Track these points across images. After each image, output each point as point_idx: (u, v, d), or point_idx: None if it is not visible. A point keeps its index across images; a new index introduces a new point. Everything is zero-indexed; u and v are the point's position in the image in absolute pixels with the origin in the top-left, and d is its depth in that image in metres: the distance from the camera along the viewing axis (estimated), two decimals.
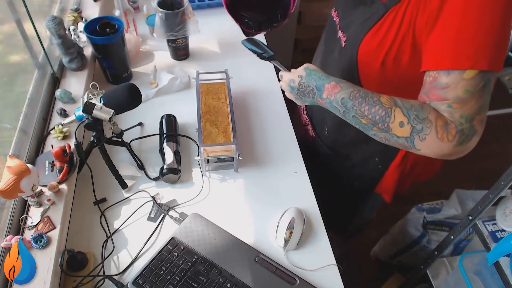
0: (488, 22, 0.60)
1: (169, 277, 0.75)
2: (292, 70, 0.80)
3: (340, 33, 0.84)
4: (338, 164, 1.06)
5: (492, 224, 1.11)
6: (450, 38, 0.63)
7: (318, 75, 0.75)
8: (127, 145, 0.94)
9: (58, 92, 1.02)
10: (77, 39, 1.18)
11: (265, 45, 0.91)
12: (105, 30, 1.07)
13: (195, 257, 0.78)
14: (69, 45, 1.06)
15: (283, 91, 0.92)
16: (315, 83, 0.75)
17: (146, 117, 1.07)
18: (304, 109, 1.14)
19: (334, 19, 0.89)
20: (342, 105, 0.72)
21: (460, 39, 0.62)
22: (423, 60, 0.68)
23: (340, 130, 0.98)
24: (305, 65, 0.78)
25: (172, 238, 0.81)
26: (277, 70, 0.88)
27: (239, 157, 0.92)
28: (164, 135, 0.98)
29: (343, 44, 0.83)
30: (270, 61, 0.89)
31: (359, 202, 1.17)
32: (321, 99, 0.75)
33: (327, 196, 0.95)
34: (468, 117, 0.63)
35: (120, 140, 0.92)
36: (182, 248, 0.80)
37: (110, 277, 0.76)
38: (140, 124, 1.07)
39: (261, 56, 0.90)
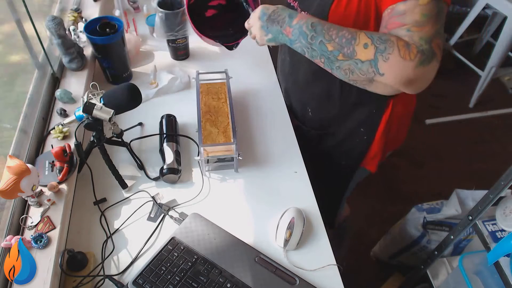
0: None
1: (169, 277, 0.75)
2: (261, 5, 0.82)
3: (299, 10, 0.86)
4: (325, 144, 1.07)
5: (492, 224, 1.11)
6: None
7: (290, 10, 0.78)
8: (127, 145, 0.94)
9: (58, 92, 1.02)
10: (77, 39, 1.18)
11: None
12: (105, 30, 1.07)
13: (195, 257, 0.78)
14: (69, 45, 1.06)
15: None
16: (288, 12, 0.77)
17: (146, 117, 1.07)
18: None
19: (292, 4, 0.91)
20: (312, 28, 0.73)
21: None
22: (382, 3, 0.72)
23: (324, 107, 1.00)
24: (281, 6, 0.81)
25: (172, 238, 0.81)
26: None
27: (239, 157, 0.92)
28: (164, 135, 0.98)
29: None
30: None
31: (346, 182, 1.17)
32: (289, 27, 0.76)
33: (315, 184, 0.96)
34: (428, 39, 0.66)
35: (120, 140, 0.92)
36: (182, 248, 0.80)
37: (110, 277, 0.76)
38: (140, 124, 1.07)
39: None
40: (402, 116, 0.98)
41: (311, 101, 1.02)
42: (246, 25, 0.86)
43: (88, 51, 1.17)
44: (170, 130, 1.00)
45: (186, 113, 1.08)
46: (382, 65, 0.68)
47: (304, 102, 1.06)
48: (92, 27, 1.08)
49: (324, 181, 1.10)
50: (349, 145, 1.04)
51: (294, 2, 0.90)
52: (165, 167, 0.92)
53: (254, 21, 0.82)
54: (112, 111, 0.82)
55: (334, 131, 1.04)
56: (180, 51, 1.25)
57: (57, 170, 0.85)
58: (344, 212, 1.51)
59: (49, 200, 0.81)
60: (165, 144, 0.96)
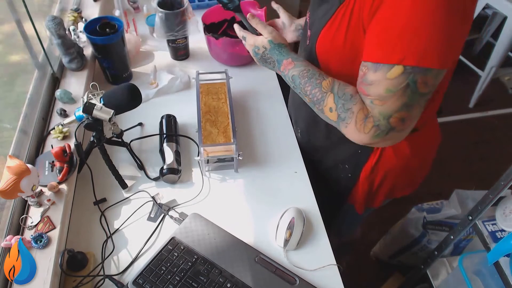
0: (418, 19, 0.60)
1: (169, 277, 0.75)
2: (258, 37, 0.84)
3: (309, 32, 0.85)
4: (315, 168, 1.04)
5: (492, 224, 1.11)
6: (380, 32, 0.64)
7: (280, 50, 0.82)
8: (127, 145, 0.94)
9: (58, 92, 1.02)
10: (77, 39, 1.18)
11: None
12: (105, 30, 1.07)
13: (195, 257, 0.78)
14: (69, 45, 1.06)
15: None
16: (276, 57, 0.82)
17: (146, 117, 1.07)
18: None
19: (307, 20, 0.89)
20: (292, 81, 0.79)
21: (390, 33, 0.62)
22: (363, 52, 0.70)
23: (311, 133, 0.99)
24: (271, 36, 0.82)
25: (172, 238, 0.81)
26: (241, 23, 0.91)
27: (239, 157, 0.92)
28: (164, 135, 0.98)
29: (308, 41, 0.85)
30: (235, 13, 0.92)
31: (337, 211, 1.14)
32: (279, 71, 0.83)
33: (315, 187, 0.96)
34: (386, 114, 0.67)
35: (120, 140, 0.92)
36: (182, 248, 0.80)
37: (110, 277, 0.76)
38: (140, 124, 1.07)
39: (226, 6, 0.91)
40: (398, 167, 0.91)
41: (301, 123, 1.02)
42: (236, 28, 0.91)
43: (88, 51, 1.17)
44: (170, 130, 1.00)
45: (186, 113, 1.08)
46: (343, 130, 0.73)
47: (296, 121, 1.05)
48: (92, 27, 1.08)
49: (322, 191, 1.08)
50: (335, 176, 1.01)
51: (308, 18, 0.88)
52: (165, 167, 0.92)
53: (249, 51, 0.88)
54: (112, 111, 0.82)
55: (320, 159, 1.02)
56: (180, 51, 1.25)
57: (57, 170, 0.85)
58: (354, 236, 1.47)
59: (49, 200, 0.81)
60: (165, 144, 0.96)
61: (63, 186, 0.85)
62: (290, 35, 1.05)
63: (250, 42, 0.86)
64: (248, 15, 0.87)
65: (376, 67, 0.65)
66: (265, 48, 0.83)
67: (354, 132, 0.71)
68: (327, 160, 1.01)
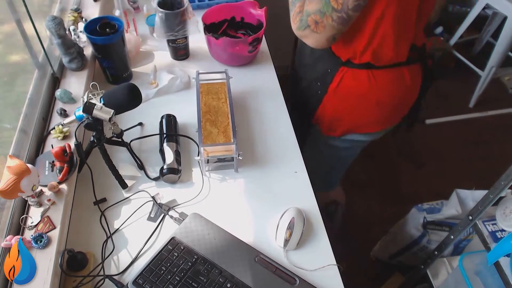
0: None
1: (169, 277, 0.75)
2: None
3: None
4: (299, 85, 1.25)
5: (492, 224, 1.11)
6: None
7: None
8: (127, 145, 0.94)
9: (58, 92, 1.02)
10: (77, 39, 1.18)
11: None
12: (105, 30, 1.07)
13: (195, 257, 0.78)
14: (69, 45, 1.06)
15: None
16: None
17: (146, 117, 1.07)
18: None
19: None
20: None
21: None
22: None
23: (301, 51, 1.23)
24: None
25: (172, 238, 0.81)
26: None
27: (239, 157, 0.92)
28: (164, 135, 0.98)
29: None
30: None
31: (306, 131, 1.31)
32: None
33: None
34: (307, 12, 0.88)
35: (120, 140, 0.92)
36: (182, 248, 0.80)
37: (110, 277, 0.76)
38: (140, 124, 1.07)
39: None
40: (355, 95, 1.07)
41: (297, 45, 1.26)
42: None
43: (88, 51, 1.17)
44: (170, 130, 1.00)
45: (186, 113, 1.08)
46: (291, 22, 0.95)
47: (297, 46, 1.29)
48: (92, 27, 1.08)
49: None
50: (308, 95, 1.18)
51: None
52: (165, 167, 0.92)
53: None
54: (112, 111, 0.82)
55: (302, 75, 1.22)
56: (180, 51, 1.25)
57: (57, 170, 0.85)
58: (334, 195, 1.60)
59: (49, 200, 0.81)
60: (165, 144, 0.96)
61: (63, 186, 0.85)
62: None
63: None
64: None
65: None
66: None
67: (291, 21, 0.94)
68: (307, 76, 1.19)
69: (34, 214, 0.79)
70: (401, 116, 1.19)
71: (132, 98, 0.86)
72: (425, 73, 1.11)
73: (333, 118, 1.15)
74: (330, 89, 1.08)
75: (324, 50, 1.04)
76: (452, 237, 1.20)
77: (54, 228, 0.78)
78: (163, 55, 1.27)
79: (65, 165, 0.86)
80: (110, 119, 0.82)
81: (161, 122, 1.02)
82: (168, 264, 0.77)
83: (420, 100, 1.19)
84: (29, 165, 0.74)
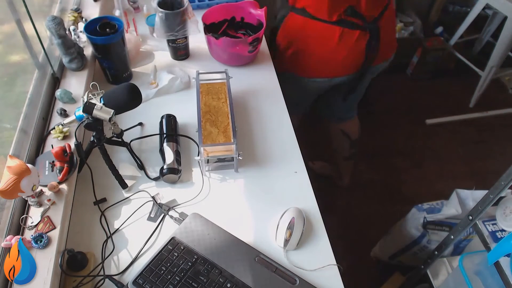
0: None
1: (169, 277, 0.75)
2: None
3: None
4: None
5: (492, 224, 1.11)
6: None
7: None
8: (127, 145, 0.94)
9: (58, 92, 1.02)
10: (77, 39, 1.18)
11: None
12: (105, 30, 1.07)
13: (195, 257, 0.78)
14: (69, 45, 1.06)
15: None
16: None
17: (146, 117, 1.07)
18: None
19: None
20: None
21: None
22: None
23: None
24: None
25: (172, 238, 0.81)
26: None
27: (239, 157, 0.92)
28: (164, 135, 0.98)
29: None
30: None
31: None
32: None
33: None
34: None
35: (120, 140, 0.92)
36: (182, 248, 0.80)
37: (110, 277, 0.76)
38: (140, 124, 1.07)
39: None
40: (295, 36, 1.27)
41: None
42: None
43: (88, 51, 1.17)
44: (170, 130, 1.00)
45: (186, 113, 1.08)
46: None
47: None
48: (92, 27, 1.08)
49: None
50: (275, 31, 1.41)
51: None
52: (165, 167, 0.92)
53: None
54: (112, 111, 0.82)
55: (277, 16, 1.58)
56: (180, 51, 1.25)
57: (57, 170, 0.85)
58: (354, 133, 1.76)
59: (49, 200, 0.81)
60: (165, 144, 0.96)
61: (63, 186, 0.85)
62: None
63: None
64: None
65: None
66: None
67: None
68: (278, 17, 1.50)
69: (34, 214, 0.79)
70: (333, 75, 1.33)
71: (132, 98, 0.86)
72: (369, 46, 1.23)
73: (280, 55, 1.34)
74: (281, 29, 1.33)
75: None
76: (452, 237, 1.20)
77: (54, 228, 0.78)
78: (163, 55, 1.27)
79: (65, 165, 0.86)
80: (110, 119, 0.82)
81: (161, 122, 1.02)
82: (168, 264, 0.77)
83: (362, 79, 1.36)
84: (29, 165, 0.74)
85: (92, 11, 1.33)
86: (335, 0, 1.13)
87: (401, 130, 2.32)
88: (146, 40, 1.33)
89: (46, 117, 1.01)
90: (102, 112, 0.81)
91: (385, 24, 1.24)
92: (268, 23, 1.22)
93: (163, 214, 0.88)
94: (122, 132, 0.91)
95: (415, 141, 2.29)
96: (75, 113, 0.89)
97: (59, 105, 1.03)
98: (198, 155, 0.97)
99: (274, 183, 0.95)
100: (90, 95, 0.84)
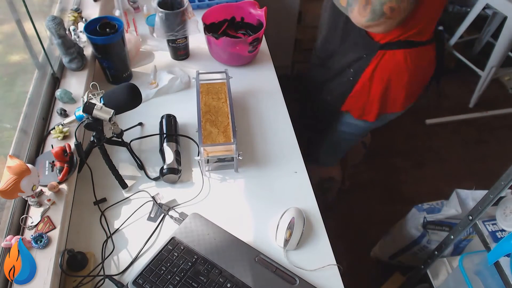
0: None
1: (169, 277, 0.75)
2: None
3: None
4: (320, 77, 1.26)
5: (492, 224, 1.11)
6: None
7: None
8: (127, 145, 0.94)
9: (58, 92, 1.02)
10: (77, 39, 1.18)
11: None
12: (105, 30, 1.07)
13: (195, 257, 0.78)
14: (69, 45, 1.06)
15: None
16: None
17: (146, 117, 1.07)
18: None
19: None
20: None
21: None
22: None
23: (329, 38, 1.18)
24: None
25: (172, 238, 0.81)
26: None
27: (239, 157, 0.92)
28: (164, 135, 0.98)
29: None
30: None
31: (330, 121, 1.34)
32: None
33: (307, 117, 1.13)
34: (379, 1, 0.87)
35: (120, 140, 0.92)
36: (182, 248, 0.80)
37: (110, 277, 0.76)
38: (140, 124, 1.07)
39: None
40: (391, 75, 1.10)
41: (323, 29, 1.21)
42: None
43: (88, 51, 1.17)
44: (170, 130, 1.00)
45: (186, 113, 1.08)
46: (350, 14, 0.96)
47: (321, 30, 1.24)
48: (92, 27, 1.08)
49: (310, 117, 1.33)
50: (337, 82, 1.20)
51: None
52: (165, 167, 0.92)
53: None
54: (112, 111, 0.82)
55: (330, 65, 1.20)
56: (180, 51, 1.25)
57: (57, 170, 0.85)
58: (332, 171, 1.68)
59: (49, 200, 0.81)
60: (165, 144, 0.96)
61: (63, 186, 0.85)
62: None
63: None
64: None
65: None
66: None
67: (356, 15, 0.93)
68: (336, 64, 1.18)
69: (34, 214, 0.79)
70: (420, 92, 1.25)
71: (132, 98, 0.86)
72: (438, 48, 1.16)
73: (367, 102, 1.17)
74: (366, 73, 1.11)
75: (359, 37, 1.06)
76: (452, 237, 1.20)
77: (54, 228, 0.78)
78: (163, 55, 1.27)
79: (65, 165, 0.86)
80: (110, 119, 0.82)
81: (161, 122, 1.02)
82: (168, 264, 0.77)
83: (441, 73, 1.25)
84: (29, 165, 0.74)
85: (92, 11, 1.33)
86: (435, 15, 1.04)
87: (401, 130, 2.31)
88: (146, 40, 1.33)
89: (46, 117, 1.01)
90: (102, 112, 0.81)
91: None
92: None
93: (163, 214, 0.88)
94: (122, 132, 0.91)
95: (415, 141, 2.29)
96: (75, 113, 0.89)
97: (59, 105, 1.03)
98: (198, 155, 0.97)
99: (274, 183, 0.95)
100: (90, 95, 0.84)
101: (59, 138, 0.94)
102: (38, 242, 0.74)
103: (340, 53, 1.15)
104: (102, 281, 0.76)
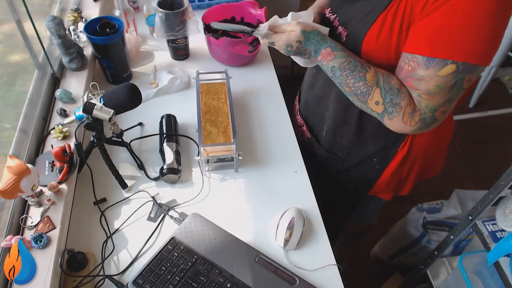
0: (474, 17, 0.63)
1: (169, 277, 0.75)
2: (286, 33, 0.79)
3: (340, 29, 0.83)
4: (334, 166, 1.05)
5: (492, 224, 1.11)
6: (434, 28, 0.67)
7: (317, 39, 0.78)
8: (127, 145, 0.94)
9: (58, 92, 1.02)
10: (77, 39, 1.18)
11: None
12: (105, 30, 1.07)
13: (195, 257, 0.78)
14: (69, 45, 1.06)
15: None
16: (313, 47, 0.79)
17: (146, 117, 1.07)
18: (298, 110, 1.13)
19: (329, 16, 0.88)
20: (332, 72, 0.79)
21: (444, 30, 0.66)
22: (406, 42, 0.72)
23: (338, 131, 0.97)
24: (301, 26, 0.78)
25: (172, 238, 0.81)
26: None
27: (239, 157, 0.92)
28: (164, 135, 0.98)
29: (344, 39, 0.82)
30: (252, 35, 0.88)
31: (354, 206, 1.18)
32: (315, 59, 0.81)
33: (321, 198, 0.95)
34: (432, 108, 0.72)
35: (120, 140, 0.92)
36: (182, 248, 0.80)
37: (110, 277, 0.76)
38: (140, 124, 1.07)
39: (247, 33, 0.89)
40: (429, 148, 0.94)
41: (328, 121, 0.99)
42: (263, 41, 0.85)
43: (88, 51, 1.17)
44: (170, 130, 1.00)
45: (186, 113, 1.08)
46: (386, 121, 0.77)
47: (322, 119, 1.01)
48: (92, 27, 1.08)
49: (331, 198, 1.10)
50: (358, 172, 1.02)
51: (333, 15, 0.87)
52: (165, 167, 0.92)
53: (280, 50, 0.82)
54: (112, 111, 0.82)
55: (344, 157, 1.01)
56: (180, 51, 1.25)
57: (57, 170, 0.85)
58: (373, 221, 1.47)
59: (49, 200, 0.81)
60: (165, 144, 0.96)
61: (63, 186, 0.85)
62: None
63: (281, 42, 0.80)
64: (271, 20, 0.84)
65: (428, 63, 0.68)
66: (299, 42, 0.78)
67: (399, 124, 0.75)
68: (351, 157, 1.00)
69: (34, 214, 0.79)
70: None
71: (132, 98, 0.86)
72: None
73: (400, 181, 1.03)
74: (395, 159, 0.95)
75: (379, 128, 0.86)
76: (452, 237, 1.20)
77: (54, 228, 0.78)
78: (163, 55, 1.27)
79: (65, 165, 0.86)
80: (110, 119, 0.82)
81: (161, 122, 1.02)
82: (168, 264, 0.77)
83: None
84: (29, 165, 0.74)
85: (92, 11, 1.33)
86: None
87: None
88: (146, 40, 1.33)
89: (46, 117, 1.01)
90: (102, 112, 0.81)
91: None
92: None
93: (163, 214, 0.88)
94: (122, 132, 0.91)
95: None
96: (75, 113, 0.89)
97: (59, 105, 1.03)
98: (198, 155, 0.97)
99: (274, 183, 0.95)
100: (90, 95, 0.84)
101: (59, 138, 0.94)
102: (38, 242, 0.74)
103: (355, 146, 0.97)
104: (102, 281, 0.76)
